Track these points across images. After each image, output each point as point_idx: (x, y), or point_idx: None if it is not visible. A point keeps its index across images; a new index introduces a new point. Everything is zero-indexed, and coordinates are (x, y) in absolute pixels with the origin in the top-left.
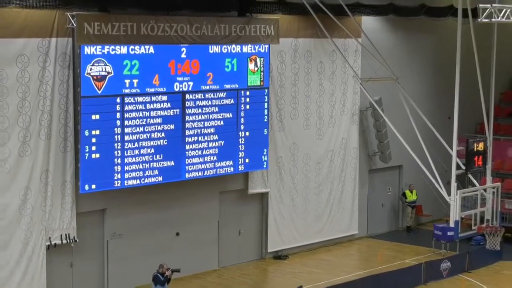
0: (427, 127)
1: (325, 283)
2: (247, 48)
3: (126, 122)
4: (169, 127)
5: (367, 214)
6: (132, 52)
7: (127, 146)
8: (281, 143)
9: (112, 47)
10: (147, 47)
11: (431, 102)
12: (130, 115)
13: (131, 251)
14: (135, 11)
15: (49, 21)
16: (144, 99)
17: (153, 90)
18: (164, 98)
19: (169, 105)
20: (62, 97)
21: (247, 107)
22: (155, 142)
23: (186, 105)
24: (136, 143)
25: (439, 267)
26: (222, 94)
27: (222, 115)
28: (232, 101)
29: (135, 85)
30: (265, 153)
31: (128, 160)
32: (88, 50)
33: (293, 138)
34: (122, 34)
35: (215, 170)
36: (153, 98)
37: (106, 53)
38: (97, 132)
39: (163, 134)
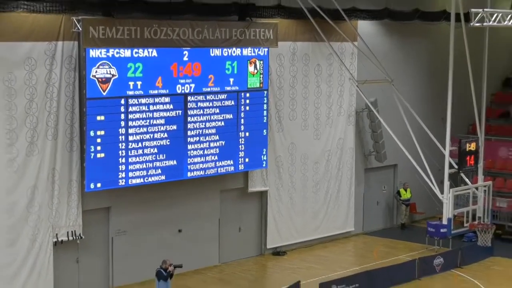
0: (421, 128)
1: (322, 278)
2: (247, 51)
3: (130, 123)
4: (171, 127)
5: (363, 211)
6: (135, 55)
7: (131, 146)
8: (280, 143)
9: (117, 50)
10: (150, 50)
11: (425, 103)
12: (134, 116)
13: (135, 248)
14: (138, 16)
15: (56, 25)
16: (147, 100)
17: (156, 92)
18: (167, 99)
19: (171, 106)
20: (68, 99)
21: (247, 108)
22: (158, 142)
23: (188, 107)
24: (139, 143)
25: (432, 263)
26: (223, 96)
27: (223, 116)
28: (233, 103)
29: (139, 87)
30: (264, 152)
31: (132, 159)
32: (93, 53)
33: (292, 138)
34: (126, 38)
35: (216, 169)
36: (156, 100)
37: (110, 56)
38: (102, 132)
39: (165, 135)
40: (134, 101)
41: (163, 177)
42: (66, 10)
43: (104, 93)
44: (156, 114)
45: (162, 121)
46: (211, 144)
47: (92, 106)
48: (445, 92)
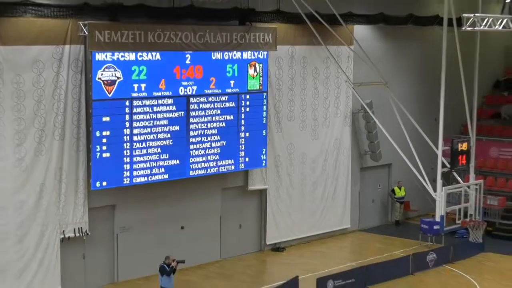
0: (414, 128)
1: (319, 273)
2: (247, 55)
3: (134, 124)
4: (174, 128)
5: (359, 209)
6: (140, 59)
7: (136, 146)
8: (279, 143)
9: (122, 53)
10: (154, 53)
11: (418, 105)
12: (138, 117)
13: (139, 244)
14: (142, 20)
15: (63, 30)
16: (151, 102)
17: (159, 94)
18: (170, 101)
19: (174, 108)
20: (75, 101)
21: (247, 109)
22: (162, 142)
23: (190, 108)
24: (143, 143)
25: (426, 259)
26: (224, 98)
27: (224, 117)
28: (233, 104)
29: (143, 89)
30: (264, 152)
31: (136, 159)
32: (99, 56)
33: (290, 138)
34: (131, 42)
35: (217, 168)
36: (160, 101)
37: (115, 59)
38: (108, 133)
39: (169, 135)
40: (138, 103)
41: (166, 176)
42: (73, 15)
43: (110, 95)
44: (159, 115)
45: (165, 122)
46: (213, 144)
47: (98, 107)
48: (437, 93)
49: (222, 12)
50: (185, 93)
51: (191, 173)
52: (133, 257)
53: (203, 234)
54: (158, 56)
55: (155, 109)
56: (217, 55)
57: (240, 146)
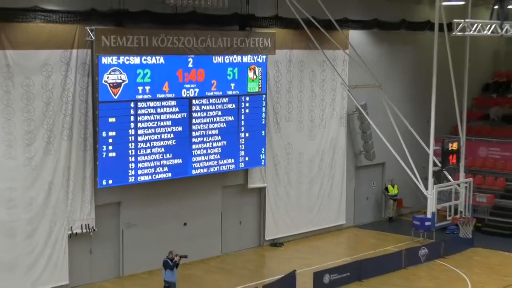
0: (407, 129)
1: (316, 268)
2: (247, 59)
3: (139, 125)
4: (177, 128)
5: (354, 206)
6: (144, 62)
7: (140, 145)
8: (277, 143)
9: (127, 57)
10: (157, 57)
11: (410, 106)
12: (142, 118)
13: (143, 239)
14: (147, 26)
15: (71, 35)
16: (155, 104)
17: (163, 96)
18: (173, 103)
19: (177, 109)
20: (82, 102)
21: (247, 111)
22: (165, 142)
23: (193, 109)
24: (148, 143)
25: (418, 254)
26: (224, 100)
27: (225, 118)
28: (234, 106)
29: (147, 91)
30: (263, 152)
31: (141, 158)
32: (105, 60)
33: (288, 138)
34: (136, 46)
35: (218, 167)
36: (163, 103)
37: (121, 63)
38: (113, 133)
39: (172, 135)
40: (142, 105)
41: (169, 175)
42: (80, 20)
43: (115, 97)
44: (163, 116)
45: (169, 123)
46: (214, 144)
47: (104, 109)
48: (429, 96)
49: (223, 18)
50: (188, 95)
51: (193, 171)
52: (138, 252)
53: (205, 230)
54: (161, 60)
55: (159, 110)
56: (218, 59)
57: (240, 146)
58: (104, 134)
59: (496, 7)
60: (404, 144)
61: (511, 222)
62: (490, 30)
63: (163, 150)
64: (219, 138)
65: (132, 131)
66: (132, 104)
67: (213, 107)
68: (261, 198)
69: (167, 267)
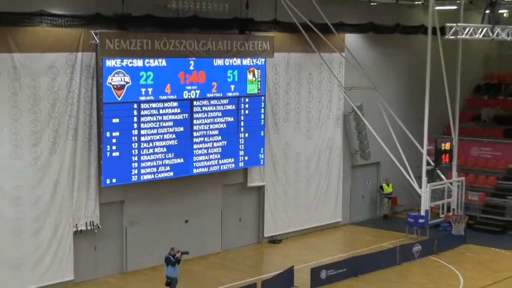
0: (401, 129)
1: (313, 264)
2: (246, 61)
3: (142, 125)
4: (179, 129)
5: (350, 204)
6: (147, 65)
7: (143, 145)
8: (276, 143)
9: (130, 60)
10: (160, 60)
11: (405, 107)
12: (145, 119)
13: (146, 236)
14: (150, 30)
15: (76, 38)
16: (157, 105)
17: (165, 97)
18: (175, 104)
19: (179, 110)
20: (86, 104)
21: (246, 112)
22: (167, 142)
23: (194, 110)
24: (150, 143)
25: (412, 250)
26: (225, 101)
27: (225, 119)
28: (234, 107)
29: (150, 93)
30: (261, 151)
31: (143, 157)
32: (109, 63)
33: (286, 138)
34: (139, 49)
35: (218, 166)
36: (165, 105)
37: (124, 65)
38: (117, 133)
39: (174, 135)
40: (145, 106)
41: (171, 174)
42: (85, 24)
43: (119, 99)
44: (165, 117)
45: (171, 124)
46: (214, 144)
47: (108, 110)
48: (423, 97)
49: (223, 22)
50: (189, 96)
51: (194, 171)
52: (141, 249)
53: (206, 228)
54: (164, 63)
55: (161, 111)
56: (218, 62)
57: (240, 146)
58: (108, 134)
59: (487, 11)
60: (399, 144)
61: (502, 220)
62: (482, 34)
63: (165, 150)
64: (220, 138)
65: (135, 132)
66: (135, 106)
67: (214, 108)
68: (260, 197)
69: (169, 263)
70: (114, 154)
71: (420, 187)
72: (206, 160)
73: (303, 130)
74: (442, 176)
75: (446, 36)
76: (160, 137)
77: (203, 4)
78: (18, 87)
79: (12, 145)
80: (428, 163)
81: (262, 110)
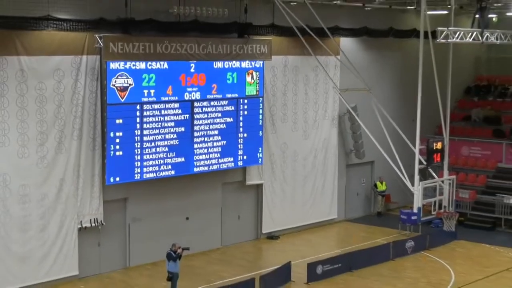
0: (394, 129)
1: (310, 259)
2: (245, 64)
3: (144, 126)
4: (180, 129)
5: (345, 201)
6: (149, 67)
7: (145, 145)
8: (273, 142)
9: (133, 63)
10: (162, 63)
11: (398, 108)
12: (148, 119)
13: (148, 233)
14: (152, 33)
15: (81, 42)
16: (159, 106)
17: (167, 98)
18: (176, 105)
19: (180, 111)
20: (91, 105)
21: (245, 113)
22: (169, 142)
23: (195, 111)
24: (152, 143)
25: (405, 246)
26: (224, 102)
27: (224, 120)
28: (233, 108)
29: (152, 94)
30: (260, 151)
31: (146, 157)
32: (113, 65)
33: (283, 138)
34: (141, 52)
35: (218, 165)
36: (167, 106)
37: (128, 68)
38: (120, 133)
39: (175, 135)
40: (148, 107)
41: (173, 172)
42: (89, 28)
43: (122, 100)
44: (167, 118)
45: (172, 124)
46: (214, 144)
47: (112, 111)
48: (415, 98)
49: (223, 26)
50: (190, 98)
51: (195, 169)
52: (143, 245)
53: (206, 224)
54: (165, 65)
55: (163, 112)
56: (218, 64)
57: (239, 145)
58: (112, 134)
59: (477, 16)
60: (392, 143)
61: (491, 217)
62: (472, 38)
63: (167, 149)
64: (219, 138)
65: (138, 132)
66: (138, 107)
67: (214, 109)
68: (259, 194)
69: (171, 259)
70: (117, 153)
71: (412, 185)
72: (206, 159)
73: (299, 130)
74: (434, 175)
75: (438, 40)
76: (162, 137)
77: (203, 9)
78: (25, 89)
79: (19, 144)
80: (420, 162)
81: (260, 111)
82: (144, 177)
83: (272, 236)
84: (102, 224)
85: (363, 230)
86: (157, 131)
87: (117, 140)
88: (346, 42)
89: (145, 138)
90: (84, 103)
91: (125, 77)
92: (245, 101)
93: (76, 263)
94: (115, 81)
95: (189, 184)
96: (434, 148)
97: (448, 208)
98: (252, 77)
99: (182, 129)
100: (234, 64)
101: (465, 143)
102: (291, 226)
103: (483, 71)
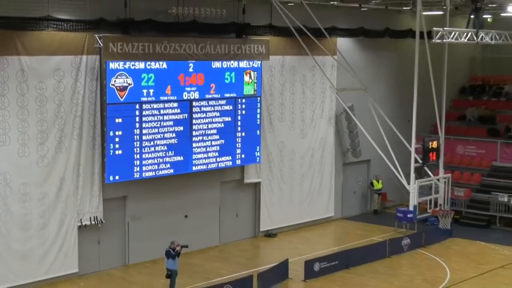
0: (390, 129)
1: (307, 256)
2: (243, 64)
3: (143, 125)
4: (179, 128)
5: (342, 199)
6: (148, 67)
7: (145, 144)
8: (271, 141)
9: (132, 63)
10: (161, 63)
11: (394, 107)
12: (147, 119)
13: (147, 231)
14: (151, 33)
15: (81, 42)
16: (158, 105)
17: (166, 98)
18: (175, 105)
19: (179, 110)
20: (91, 104)
21: (243, 112)
22: (168, 141)
23: (193, 111)
24: (152, 142)
25: (401, 243)
26: (222, 102)
27: (223, 119)
28: (231, 107)
29: (151, 94)
30: (258, 150)
31: (145, 155)
32: (113, 65)
33: (281, 137)
34: (141, 52)
35: (216, 164)
36: (166, 105)
37: (127, 68)
38: (120, 132)
39: (174, 135)
40: (147, 106)
41: (171, 171)
42: (89, 29)
43: (122, 99)
44: (166, 117)
45: (171, 123)
46: (213, 143)
47: (112, 110)
48: (411, 98)
49: (221, 27)
50: (189, 97)
51: (193, 168)
52: (142, 243)
53: (204, 222)
54: (164, 65)
55: (162, 111)
56: (216, 64)
57: (237, 144)
58: (111, 133)
59: (472, 16)
60: (388, 142)
61: (486, 214)
62: (467, 38)
63: (165, 148)
64: (218, 137)
65: (137, 131)
66: (137, 106)
67: (212, 109)
68: (256, 193)
69: (169, 256)
70: (117, 152)
71: (408, 183)
72: (205, 158)
73: (297, 129)
74: (430, 173)
75: (433, 40)
76: (161, 136)
77: (202, 10)
78: (26, 89)
79: (20, 143)
80: (416, 161)
81: (258, 110)
82: (143, 175)
83: (269, 234)
84: (102, 222)
85: (359, 228)
86: (156, 130)
87: (117, 139)
88: (342, 42)
89: (144, 137)
90: (84, 102)
91: (124, 77)
92: (243, 100)
93: (76, 261)
94: (115, 81)
95: (187, 182)
96: (430, 147)
97: (444, 206)
98: (250, 77)
99: (181, 128)
100: (232, 64)
101: (460, 142)
102: (289, 224)
103: (478, 71)
